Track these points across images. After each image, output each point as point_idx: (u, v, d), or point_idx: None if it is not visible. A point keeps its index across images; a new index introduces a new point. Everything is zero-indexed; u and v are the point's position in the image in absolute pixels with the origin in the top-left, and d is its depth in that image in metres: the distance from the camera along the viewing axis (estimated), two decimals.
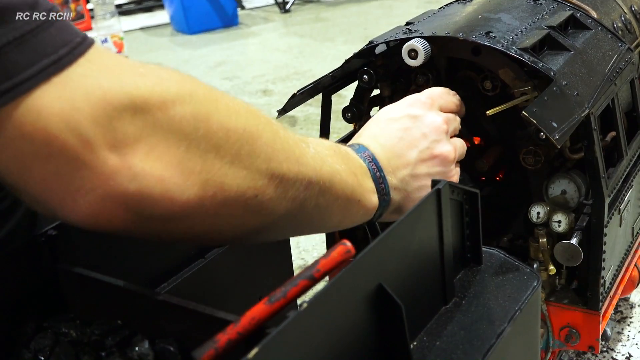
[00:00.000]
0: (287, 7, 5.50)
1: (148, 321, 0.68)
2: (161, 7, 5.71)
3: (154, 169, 0.55)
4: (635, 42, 1.52)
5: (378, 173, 0.81)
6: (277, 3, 5.56)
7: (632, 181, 1.23)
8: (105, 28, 4.22)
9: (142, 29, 5.51)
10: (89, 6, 4.83)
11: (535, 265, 1.14)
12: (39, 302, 0.73)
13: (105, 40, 4.21)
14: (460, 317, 0.76)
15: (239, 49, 4.63)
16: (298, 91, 1.15)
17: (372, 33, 1.22)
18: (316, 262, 0.58)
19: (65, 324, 0.70)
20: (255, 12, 5.71)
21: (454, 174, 0.89)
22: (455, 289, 0.79)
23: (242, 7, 5.70)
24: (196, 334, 0.64)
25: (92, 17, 4.39)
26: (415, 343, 0.71)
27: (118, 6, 5.56)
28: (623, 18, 1.52)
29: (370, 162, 0.81)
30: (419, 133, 0.85)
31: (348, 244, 0.60)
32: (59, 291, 0.74)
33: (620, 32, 1.45)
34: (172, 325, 0.66)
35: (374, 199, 0.80)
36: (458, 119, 0.94)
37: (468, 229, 0.82)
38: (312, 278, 0.58)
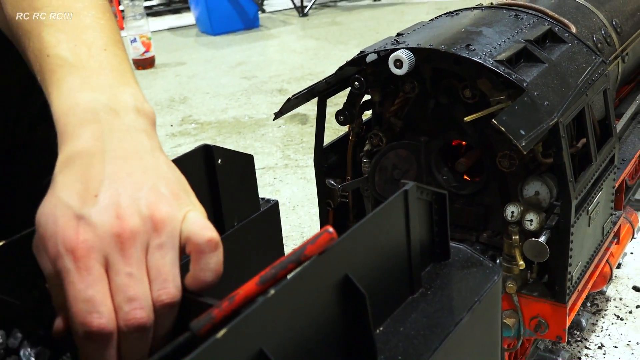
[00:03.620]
0: (306, 11, 5.52)
1: None
2: (188, 9, 5.75)
3: None
4: (614, 55, 1.53)
5: None
6: (296, 7, 5.58)
7: (602, 184, 1.25)
8: (135, 28, 4.26)
9: (169, 29, 5.55)
10: (120, 7, 4.88)
11: (497, 261, 1.17)
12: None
13: (134, 40, 4.26)
14: (425, 306, 0.78)
15: (259, 50, 4.66)
16: (293, 95, 1.18)
17: (383, 37, 1.24)
18: (304, 247, 0.61)
19: None
20: (275, 15, 5.73)
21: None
22: (423, 280, 0.81)
23: (263, 11, 5.72)
24: (182, 315, 0.67)
25: (123, 18, 4.43)
26: (381, 328, 0.74)
27: (148, 8, 5.61)
28: (603, 32, 1.54)
29: None
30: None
31: (331, 230, 0.62)
32: None
33: (599, 45, 1.47)
34: None
35: None
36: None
37: (437, 226, 0.85)
38: (299, 261, 0.61)
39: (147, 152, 0.59)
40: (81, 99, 0.59)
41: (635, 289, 1.73)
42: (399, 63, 1.13)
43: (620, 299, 1.70)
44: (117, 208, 0.54)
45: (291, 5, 5.68)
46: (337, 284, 0.66)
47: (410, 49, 1.14)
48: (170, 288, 0.57)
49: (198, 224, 0.59)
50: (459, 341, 0.76)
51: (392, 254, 0.76)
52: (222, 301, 0.61)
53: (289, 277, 0.60)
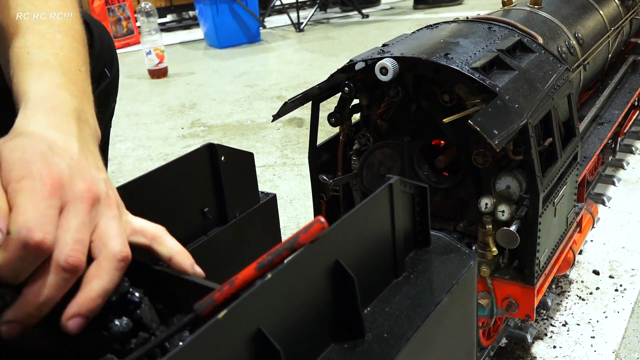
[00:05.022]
0: (302, 27, 5.49)
1: (149, 287, 0.69)
2: (197, 25, 5.71)
3: None
4: (576, 63, 1.51)
5: None
6: (293, 24, 5.55)
7: (567, 179, 1.23)
8: (150, 42, 4.22)
9: (181, 43, 5.51)
10: (137, 24, 4.85)
11: (474, 247, 1.15)
12: None
13: (149, 52, 4.22)
14: (408, 288, 0.77)
15: (260, 61, 4.62)
16: (289, 100, 1.15)
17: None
18: (297, 235, 0.59)
19: None
20: (275, 31, 5.70)
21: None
22: (406, 265, 0.80)
23: (264, 27, 5.69)
24: (187, 297, 0.65)
25: (140, 33, 4.39)
26: (368, 309, 0.72)
27: (162, 24, 5.57)
28: (567, 43, 1.52)
29: None
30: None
31: (323, 220, 0.60)
32: None
33: (564, 55, 1.45)
34: (168, 291, 0.67)
35: None
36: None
37: (418, 216, 0.83)
38: (292, 249, 0.60)
39: (100, 159, 0.62)
40: (64, 95, 0.60)
41: (595, 272, 1.72)
42: (384, 70, 1.11)
43: (582, 282, 1.69)
44: (86, 174, 0.55)
45: (289, 22, 5.65)
46: (329, 268, 0.64)
47: (395, 58, 1.12)
48: (128, 247, 0.57)
49: (143, 220, 0.62)
50: (439, 320, 0.75)
51: (378, 241, 0.75)
52: (223, 285, 0.59)
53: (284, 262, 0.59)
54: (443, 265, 0.81)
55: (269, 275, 0.56)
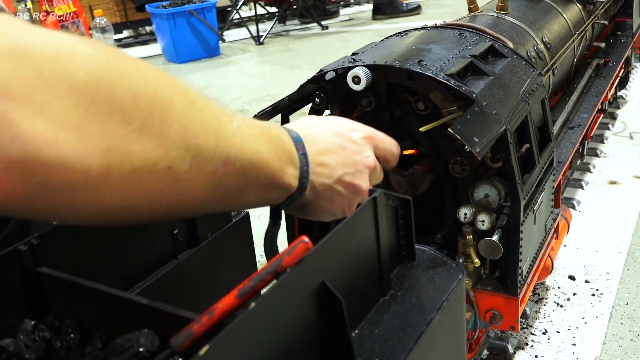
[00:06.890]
0: (262, 39, 5.45)
1: (119, 319, 0.64)
2: (155, 40, 5.63)
3: (45, 130, 0.41)
4: (546, 68, 1.51)
5: (305, 168, 0.69)
6: (252, 36, 5.51)
7: (544, 185, 1.21)
8: None
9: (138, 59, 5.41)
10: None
11: (461, 260, 1.12)
12: (24, 303, 0.69)
13: None
14: (396, 307, 0.73)
15: (221, 75, 4.57)
16: (258, 113, 1.11)
17: (332, 61, 1.19)
18: (280, 258, 0.55)
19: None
20: (235, 44, 5.64)
21: (354, 209, 0.76)
22: (392, 282, 0.76)
23: (223, 40, 5.63)
24: (160, 329, 0.60)
25: None
26: (356, 332, 0.68)
27: (118, 40, 5.47)
28: (535, 47, 1.51)
29: (302, 154, 0.69)
30: (354, 158, 0.75)
31: (307, 240, 0.56)
32: (41, 293, 0.69)
33: (533, 60, 1.44)
34: (139, 322, 0.62)
35: (293, 182, 0.67)
36: (382, 174, 0.80)
37: (402, 230, 0.79)
38: (276, 273, 0.55)
39: None
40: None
41: (571, 278, 1.71)
42: (357, 79, 1.07)
43: (559, 288, 1.67)
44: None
45: (248, 35, 5.61)
46: (314, 291, 0.60)
47: (367, 66, 1.09)
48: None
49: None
50: (432, 339, 0.71)
51: (363, 258, 0.71)
52: (202, 315, 0.54)
53: (267, 288, 0.54)
54: (431, 280, 0.78)
55: (253, 304, 0.51)
